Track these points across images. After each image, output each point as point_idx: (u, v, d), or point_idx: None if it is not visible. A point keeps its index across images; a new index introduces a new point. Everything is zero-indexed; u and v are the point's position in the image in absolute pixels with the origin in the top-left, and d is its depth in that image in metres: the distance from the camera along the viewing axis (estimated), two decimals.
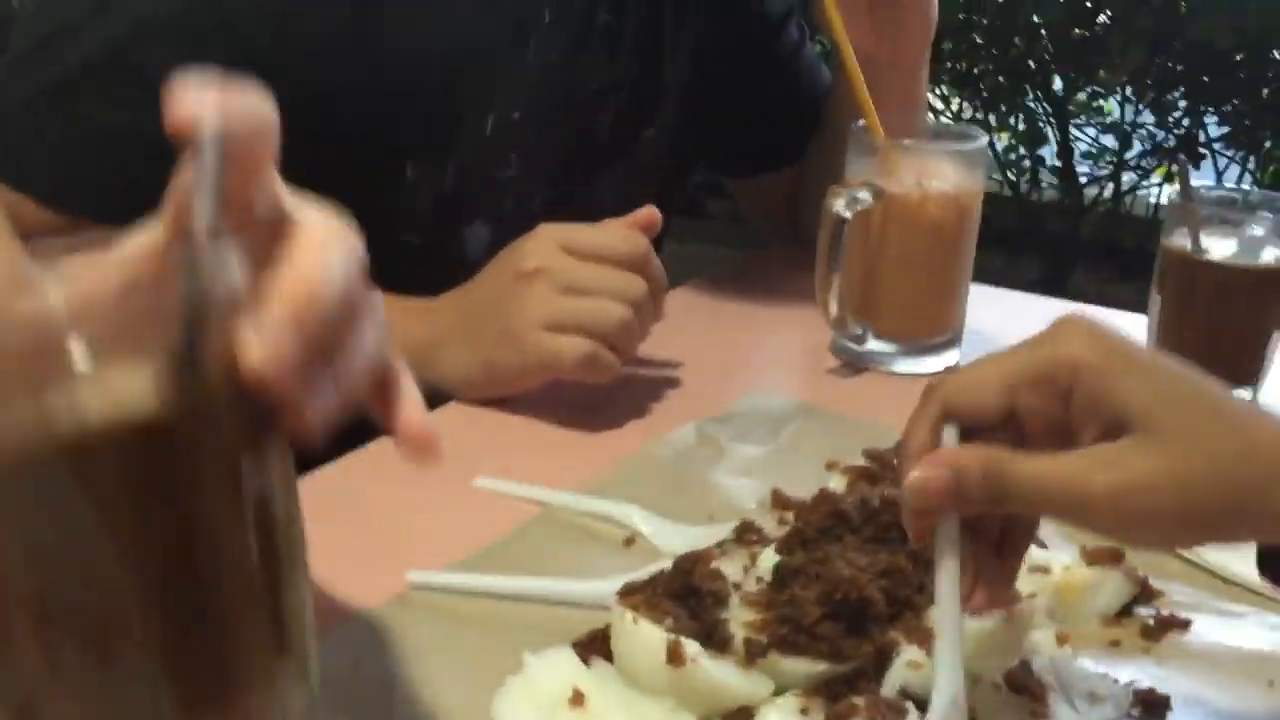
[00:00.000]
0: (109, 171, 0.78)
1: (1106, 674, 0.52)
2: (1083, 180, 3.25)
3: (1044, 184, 3.28)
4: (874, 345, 0.87)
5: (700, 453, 0.74)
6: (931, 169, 0.87)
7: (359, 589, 0.58)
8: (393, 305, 0.83)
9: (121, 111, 0.77)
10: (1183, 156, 2.74)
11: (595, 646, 0.53)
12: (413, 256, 0.89)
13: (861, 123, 0.88)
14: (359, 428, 0.75)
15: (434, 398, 0.79)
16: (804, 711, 0.49)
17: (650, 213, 0.80)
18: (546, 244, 0.77)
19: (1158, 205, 3.28)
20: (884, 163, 0.86)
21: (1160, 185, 3.24)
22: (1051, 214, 3.24)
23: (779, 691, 0.50)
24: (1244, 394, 0.81)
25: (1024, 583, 0.56)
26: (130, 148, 0.77)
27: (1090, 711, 0.49)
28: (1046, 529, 0.66)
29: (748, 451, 0.74)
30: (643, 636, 0.50)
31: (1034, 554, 0.61)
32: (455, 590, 0.59)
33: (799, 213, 1.13)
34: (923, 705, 0.50)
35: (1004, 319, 0.98)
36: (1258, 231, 0.84)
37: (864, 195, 0.84)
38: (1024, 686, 0.49)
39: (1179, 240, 0.84)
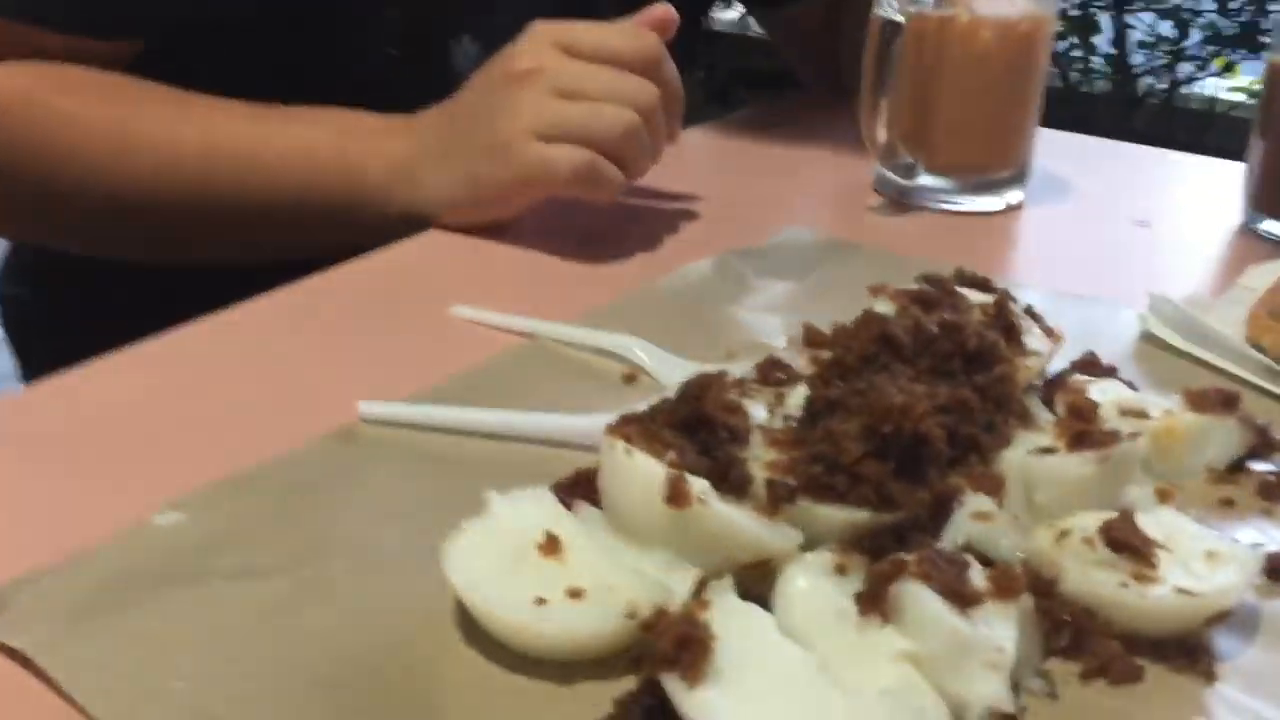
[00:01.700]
0: None
1: (1226, 534, 0.42)
2: (1136, 71, 3.07)
3: (1096, 74, 3.10)
4: (926, 180, 0.75)
5: (720, 286, 0.63)
6: None
7: (304, 418, 0.48)
8: (370, 122, 0.72)
9: None
10: None
11: (580, 489, 0.43)
12: (393, 71, 0.77)
13: None
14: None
15: (414, 223, 0.68)
16: (840, 569, 0.38)
17: (664, 10, 0.68)
18: (541, 43, 0.65)
19: (1214, 99, 3.10)
20: None
21: (1218, 77, 3.07)
22: (1102, 106, 3.06)
23: (809, 545, 0.39)
24: None
25: (1119, 425, 0.45)
26: None
27: (1209, 575, 0.38)
28: (1141, 370, 0.55)
29: (776, 286, 0.63)
30: (637, 471, 0.39)
31: (1127, 396, 0.50)
32: (413, 425, 0.48)
33: (838, 52, 1.00)
34: (988, 563, 0.39)
35: (1074, 162, 0.86)
36: None
37: None
38: (1125, 543, 0.38)
39: None
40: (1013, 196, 0.76)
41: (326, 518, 0.42)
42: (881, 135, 0.74)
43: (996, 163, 0.76)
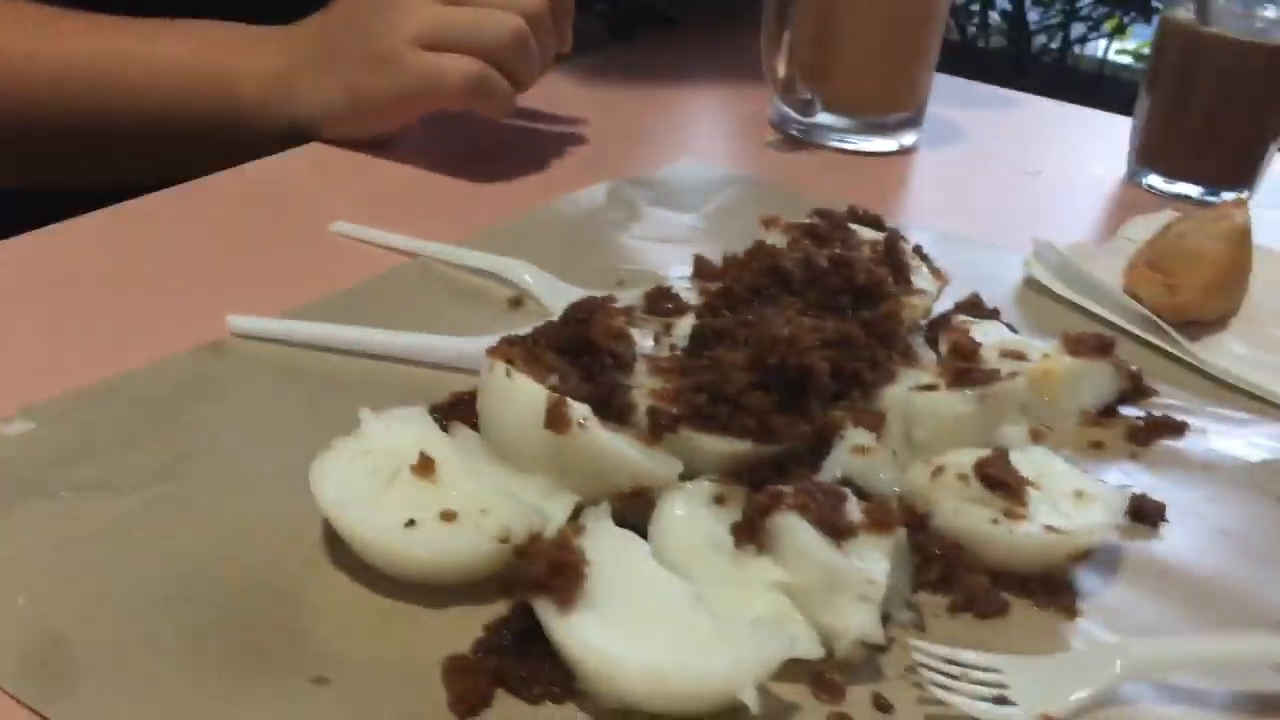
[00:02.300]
0: None
1: (1094, 475, 0.42)
2: (1032, 29, 3.12)
3: (992, 30, 3.15)
4: (823, 118, 0.75)
5: (612, 214, 0.62)
6: None
7: (170, 331, 0.46)
8: (243, 33, 0.68)
9: None
10: None
11: (459, 411, 0.42)
12: None
13: None
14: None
15: (294, 140, 0.65)
16: (719, 500, 0.38)
17: None
18: None
19: (1104, 61, 3.18)
20: None
21: (1109, 38, 3.14)
22: (996, 62, 3.11)
23: (689, 475, 0.39)
24: (1237, 196, 0.71)
25: (999, 366, 0.46)
26: None
27: (1076, 514, 0.39)
28: (1022, 313, 0.56)
29: (669, 217, 0.62)
30: (518, 394, 0.38)
31: (1007, 338, 0.51)
32: (286, 340, 0.46)
33: None
34: (866, 496, 0.39)
35: (967, 109, 0.87)
36: (1271, 13, 0.73)
37: None
38: (998, 480, 0.39)
39: (1184, 14, 0.72)
40: (907, 139, 0.76)
41: (189, 432, 0.40)
42: (781, 69, 0.73)
43: (894, 101, 0.76)
